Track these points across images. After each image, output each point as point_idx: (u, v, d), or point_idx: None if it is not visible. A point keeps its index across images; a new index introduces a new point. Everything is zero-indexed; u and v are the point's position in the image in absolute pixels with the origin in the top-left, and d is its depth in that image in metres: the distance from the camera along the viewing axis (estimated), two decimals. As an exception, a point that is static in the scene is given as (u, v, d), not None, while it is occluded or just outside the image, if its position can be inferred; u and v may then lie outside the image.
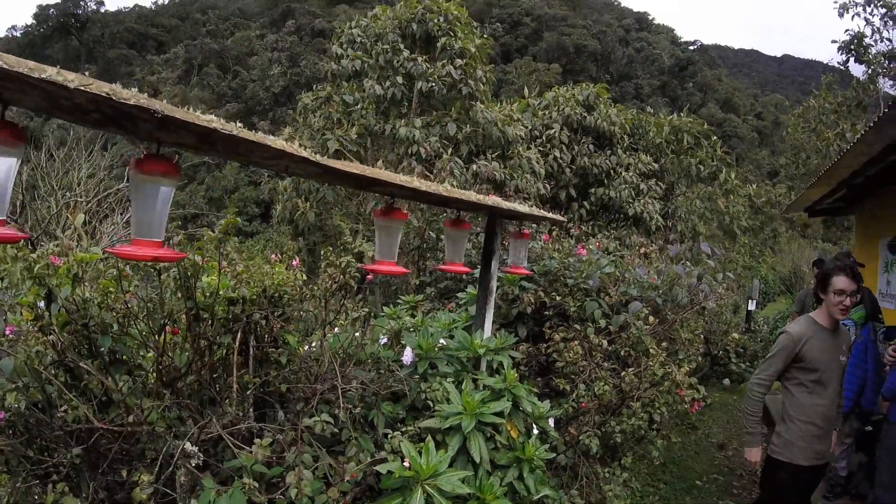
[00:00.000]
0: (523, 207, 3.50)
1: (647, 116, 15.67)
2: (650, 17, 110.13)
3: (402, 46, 10.53)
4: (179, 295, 2.80)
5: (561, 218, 4.16)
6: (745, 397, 3.65)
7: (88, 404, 2.49)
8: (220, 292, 2.87)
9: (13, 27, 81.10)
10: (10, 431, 2.43)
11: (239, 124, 1.87)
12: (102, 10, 74.84)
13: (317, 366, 3.20)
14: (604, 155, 12.68)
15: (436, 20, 10.98)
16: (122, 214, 9.72)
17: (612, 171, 12.68)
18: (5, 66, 1.34)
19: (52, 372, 2.53)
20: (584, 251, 5.38)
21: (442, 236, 7.42)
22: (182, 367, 2.71)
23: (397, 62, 10.30)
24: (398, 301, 5.00)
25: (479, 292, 3.73)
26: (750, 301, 13.15)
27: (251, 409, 3.01)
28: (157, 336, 2.71)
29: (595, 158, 12.46)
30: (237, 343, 2.94)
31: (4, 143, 1.64)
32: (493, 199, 3.15)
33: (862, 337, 4.97)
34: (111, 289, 2.65)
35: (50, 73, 1.42)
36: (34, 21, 75.90)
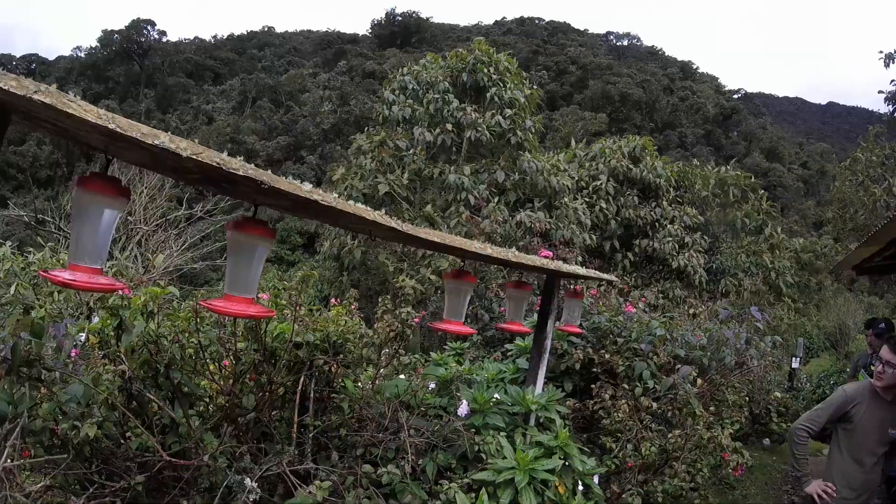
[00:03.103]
0: (582, 270, 3.59)
1: (692, 168, 15.63)
2: (694, 66, 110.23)
3: (451, 96, 10.83)
4: (247, 336, 2.96)
5: (614, 279, 4.24)
6: (789, 442, 3.64)
7: (149, 433, 2.61)
8: (287, 336, 3.02)
9: (78, 48, 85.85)
10: (77, 454, 2.56)
11: (335, 195, 2.02)
12: (164, 39, 78.84)
13: (371, 411, 3.29)
14: (649, 206, 12.67)
15: (486, 70, 11.29)
16: (174, 241, 10.09)
17: (656, 223, 12.64)
18: (119, 130, 1.43)
19: (117, 399, 2.66)
20: (632, 308, 5.40)
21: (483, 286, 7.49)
22: (249, 406, 2.84)
23: (447, 111, 10.59)
24: (444, 347, 5.09)
25: (532, 350, 3.80)
26: (794, 359, 12.77)
27: (309, 451, 3.12)
28: (234, 379, 2.85)
29: (640, 210, 12.47)
30: (301, 386, 3.07)
31: (111, 197, 1.75)
32: (556, 263, 3.25)
33: None
34: (182, 325, 2.81)
35: (163, 140, 1.52)
36: (98, 44, 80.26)
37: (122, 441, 2.63)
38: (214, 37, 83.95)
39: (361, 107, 40.40)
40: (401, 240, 2.70)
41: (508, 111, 10.82)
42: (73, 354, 2.73)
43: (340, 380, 3.39)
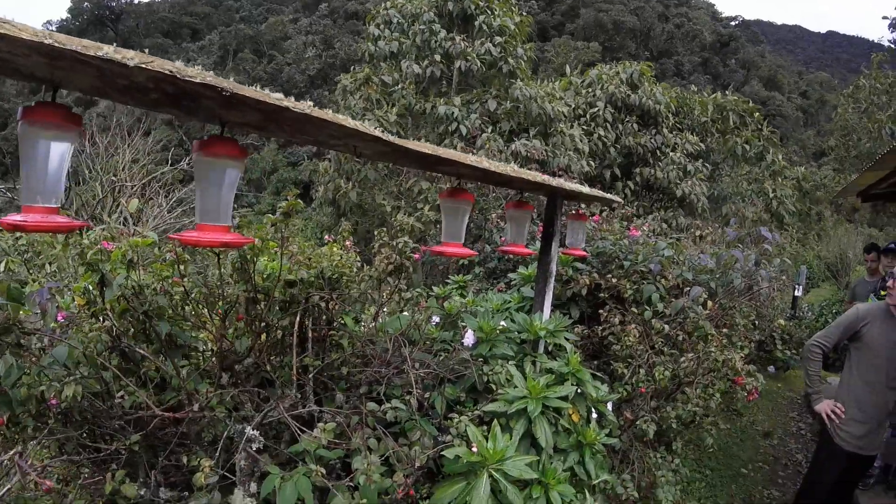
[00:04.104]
0: (586, 188, 3.37)
1: (691, 95, 15.18)
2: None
3: (438, 26, 10.38)
4: (236, 278, 2.77)
5: (618, 199, 4.03)
6: (803, 360, 3.63)
7: (144, 390, 2.47)
8: (279, 274, 2.84)
9: (48, 22, 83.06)
10: (66, 419, 2.42)
11: (309, 102, 1.79)
12: (136, 1, 76.10)
13: (375, 348, 3.14)
14: (649, 134, 12.33)
15: None
16: (165, 198, 9.85)
17: (657, 151, 12.33)
18: (58, 45, 1.28)
19: (107, 358, 2.52)
20: (637, 232, 5.21)
21: (482, 217, 7.30)
22: (243, 351, 2.68)
23: (435, 42, 10.17)
24: (447, 280, 4.93)
25: (538, 274, 3.63)
26: (796, 287, 12.73)
27: (311, 393, 2.98)
28: (221, 321, 2.68)
29: (640, 138, 12.14)
30: (297, 326, 2.91)
31: (58, 127, 1.59)
32: (558, 180, 3.03)
33: None
34: (165, 273, 2.62)
35: (107, 50, 1.35)
36: (69, 15, 77.45)
37: (113, 401, 2.48)
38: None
39: (347, 49, 39.14)
40: (388, 156, 2.47)
41: (498, 39, 10.37)
42: (59, 318, 2.56)
43: (340, 317, 3.24)
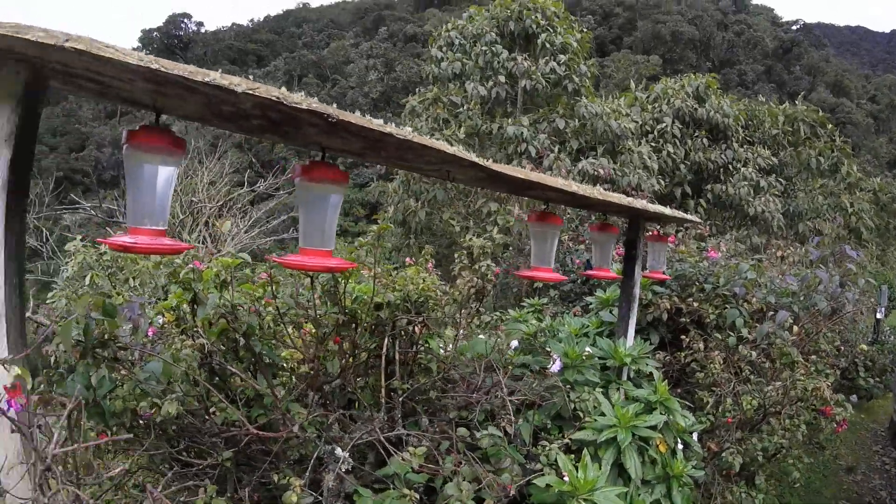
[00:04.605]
0: (668, 210, 3.31)
1: (759, 106, 14.65)
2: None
3: (500, 47, 10.46)
4: (325, 300, 2.84)
5: (698, 220, 3.93)
6: None
7: (234, 407, 2.54)
8: (367, 298, 2.90)
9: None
10: (159, 432, 2.48)
11: (409, 129, 1.83)
12: (202, 30, 79.76)
13: (461, 372, 3.16)
14: (718, 149, 11.97)
15: (533, 17, 10.83)
16: (241, 219, 10.22)
17: (728, 167, 11.94)
18: (164, 70, 1.30)
19: (198, 374, 2.59)
20: (716, 253, 5.05)
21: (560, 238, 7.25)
22: (334, 373, 2.74)
23: (497, 62, 10.24)
24: (521, 304, 4.91)
25: (621, 299, 3.57)
26: (879, 310, 11.95)
27: (399, 416, 3.01)
28: (318, 342, 2.75)
29: (709, 153, 11.80)
30: (385, 349, 2.96)
31: (164, 151, 1.63)
32: (641, 203, 2.99)
33: None
34: (258, 294, 2.71)
35: (214, 76, 1.39)
36: (139, 44, 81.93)
37: (206, 417, 2.58)
38: (252, 21, 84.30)
39: (408, 71, 39.86)
40: (482, 180, 2.50)
41: (562, 57, 10.36)
42: (149, 334, 2.68)
43: (423, 341, 3.27)
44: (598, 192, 2.61)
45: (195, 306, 2.54)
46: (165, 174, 1.67)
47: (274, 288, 2.80)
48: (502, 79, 10.05)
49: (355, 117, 1.58)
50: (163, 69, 1.30)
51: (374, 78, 42.21)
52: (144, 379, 2.38)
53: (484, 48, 10.42)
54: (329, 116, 1.49)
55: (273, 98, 1.42)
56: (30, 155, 1.54)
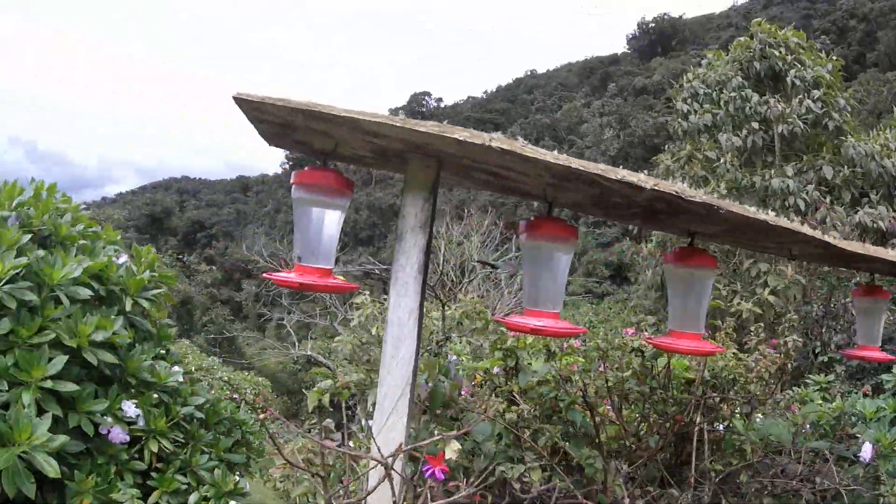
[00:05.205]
0: None
1: None
2: None
3: (749, 91, 9.70)
4: (640, 373, 2.83)
5: None
6: None
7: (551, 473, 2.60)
8: (678, 373, 2.83)
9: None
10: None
11: (771, 213, 1.79)
12: (442, 105, 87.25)
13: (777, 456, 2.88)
14: None
15: (778, 52, 9.94)
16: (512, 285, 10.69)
17: None
18: (580, 168, 1.44)
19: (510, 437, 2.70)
20: None
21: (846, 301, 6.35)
22: (654, 447, 2.70)
23: (749, 108, 9.51)
24: (806, 381, 4.37)
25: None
26: None
27: (707, 498, 2.84)
28: (642, 418, 2.75)
29: None
30: (697, 426, 2.84)
31: (334, 192, 1.72)
32: None
33: None
34: (585, 366, 2.80)
35: (623, 174, 1.50)
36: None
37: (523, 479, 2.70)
38: (485, 92, 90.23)
39: (643, 125, 38.89)
40: (821, 258, 2.32)
41: (815, 92, 9.27)
42: (463, 392, 2.93)
43: (728, 420, 3.07)
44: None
45: (518, 372, 2.73)
46: (334, 217, 1.78)
47: (605, 364, 2.85)
48: (756, 125, 9.33)
49: (738, 206, 1.63)
50: (580, 168, 1.47)
51: (609, 135, 41.90)
52: (481, 441, 2.60)
53: (732, 94, 9.75)
54: (719, 208, 1.57)
55: (672, 192, 1.53)
56: (430, 238, 1.80)
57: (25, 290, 2.07)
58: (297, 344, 13.97)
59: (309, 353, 12.61)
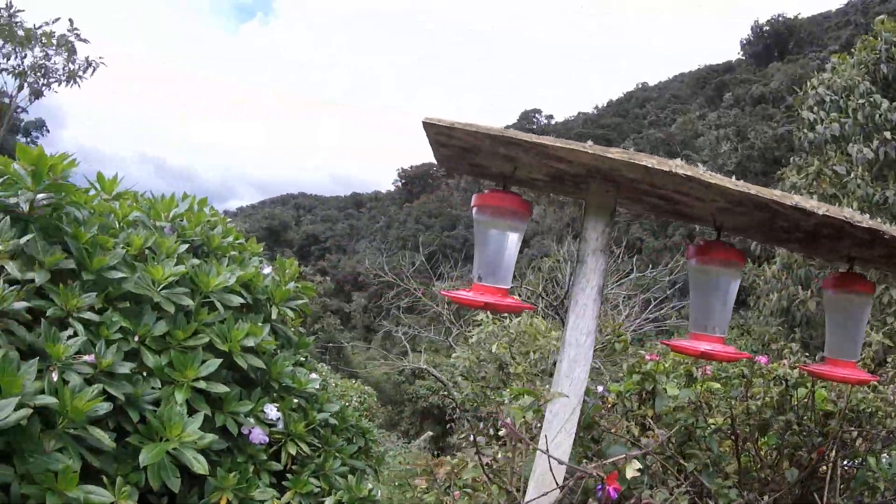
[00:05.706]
0: None
1: None
2: None
3: (878, 96, 8.97)
4: (776, 404, 2.79)
5: None
6: None
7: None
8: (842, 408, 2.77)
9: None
10: None
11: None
12: (552, 122, 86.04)
13: None
14: None
15: None
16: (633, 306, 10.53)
17: None
18: (760, 196, 1.49)
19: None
20: None
21: None
22: (792, 481, 2.66)
23: (879, 116, 8.77)
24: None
25: None
26: None
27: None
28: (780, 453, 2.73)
29: None
30: (831, 461, 2.76)
31: (516, 215, 1.76)
32: None
33: None
34: (725, 393, 2.79)
35: (797, 199, 1.56)
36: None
37: None
38: (596, 107, 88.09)
39: (762, 137, 36.23)
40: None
41: None
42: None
43: (865, 456, 2.94)
44: None
45: (654, 397, 2.73)
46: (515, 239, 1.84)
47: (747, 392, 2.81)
48: (888, 135, 8.60)
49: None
50: (758, 194, 1.54)
51: (727, 148, 39.39)
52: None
53: (861, 101, 9.04)
54: (884, 234, 1.58)
55: (842, 218, 1.56)
56: (608, 262, 1.88)
57: (182, 294, 2.21)
58: (409, 354, 14.32)
59: (423, 365, 12.91)
